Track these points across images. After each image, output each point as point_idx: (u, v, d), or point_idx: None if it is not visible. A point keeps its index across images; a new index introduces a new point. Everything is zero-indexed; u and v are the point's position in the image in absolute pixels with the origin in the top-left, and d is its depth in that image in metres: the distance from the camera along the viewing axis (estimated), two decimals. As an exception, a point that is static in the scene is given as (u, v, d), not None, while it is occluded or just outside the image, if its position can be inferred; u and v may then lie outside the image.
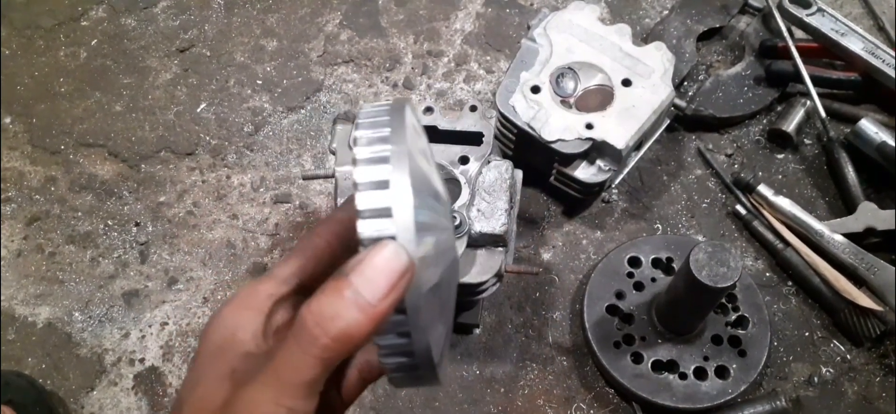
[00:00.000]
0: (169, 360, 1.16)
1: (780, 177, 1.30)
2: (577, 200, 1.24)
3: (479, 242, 0.98)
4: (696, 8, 1.44)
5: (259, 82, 1.45)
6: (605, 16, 1.51)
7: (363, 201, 0.38)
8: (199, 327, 1.19)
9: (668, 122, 1.30)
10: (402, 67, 1.46)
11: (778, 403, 1.06)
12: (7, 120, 1.41)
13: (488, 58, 1.47)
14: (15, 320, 1.20)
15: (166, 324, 1.19)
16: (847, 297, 1.12)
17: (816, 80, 1.29)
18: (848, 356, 1.14)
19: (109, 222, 1.29)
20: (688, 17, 1.43)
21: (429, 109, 1.07)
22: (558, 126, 1.13)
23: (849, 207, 1.23)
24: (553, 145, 1.13)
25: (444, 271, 0.44)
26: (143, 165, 1.35)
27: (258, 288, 0.45)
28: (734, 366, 1.08)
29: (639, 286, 1.16)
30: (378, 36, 1.51)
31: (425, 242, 0.39)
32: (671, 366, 1.09)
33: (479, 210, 0.98)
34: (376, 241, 0.38)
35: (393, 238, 0.37)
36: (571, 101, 1.18)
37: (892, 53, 1.29)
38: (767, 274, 1.21)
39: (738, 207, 1.25)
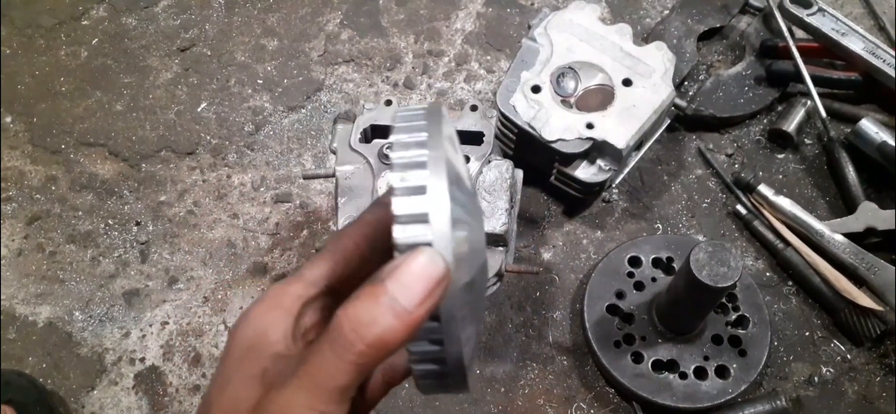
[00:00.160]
0: (169, 359, 1.16)
1: (780, 177, 1.30)
2: (578, 200, 1.24)
3: (480, 241, 0.98)
4: (697, 8, 1.44)
5: (260, 82, 1.45)
6: (606, 15, 1.51)
7: (400, 206, 0.37)
8: (200, 327, 1.19)
9: (669, 121, 1.30)
10: (402, 67, 1.46)
11: (778, 402, 1.06)
12: (8, 119, 1.41)
13: (489, 57, 1.47)
14: (15, 320, 1.20)
15: (167, 323, 1.19)
16: (847, 296, 1.12)
17: (817, 80, 1.29)
18: (848, 356, 1.14)
19: (110, 222, 1.29)
20: (688, 16, 1.43)
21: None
22: (559, 126, 1.13)
23: (849, 207, 1.23)
24: (553, 145, 1.13)
25: (476, 271, 0.44)
26: (143, 165, 1.35)
27: (287, 289, 0.45)
28: (734, 366, 1.08)
29: (639, 286, 1.16)
30: (379, 35, 1.51)
31: (460, 244, 0.39)
32: (671, 365, 1.09)
33: (479, 210, 0.97)
34: (412, 247, 0.37)
35: (429, 244, 0.37)
36: (572, 100, 1.18)
37: (893, 53, 1.29)
38: (768, 274, 1.21)
39: (739, 207, 1.25)
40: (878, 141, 1.22)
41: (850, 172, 1.24)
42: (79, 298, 1.22)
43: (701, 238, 1.24)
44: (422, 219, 0.37)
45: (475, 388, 1.13)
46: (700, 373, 1.08)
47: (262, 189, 1.32)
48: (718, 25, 1.43)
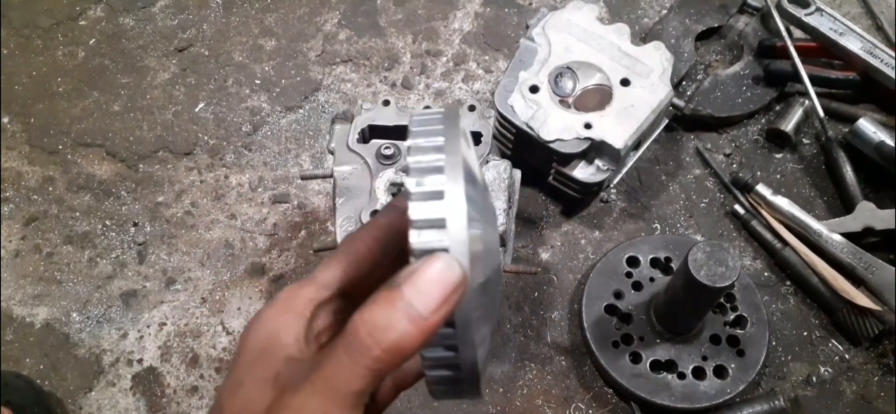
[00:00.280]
0: (167, 360, 1.16)
1: (778, 176, 1.30)
2: (576, 200, 1.24)
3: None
4: (695, 7, 1.44)
5: (257, 82, 1.45)
6: (604, 15, 1.51)
7: (416, 211, 0.37)
8: (198, 328, 1.19)
9: (667, 121, 1.30)
10: (400, 67, 1.46)
11: (776, 402, 1.06)
12: (5, 120, 1.41)
13: (487, 57, 1.47)
14: (13, 321, 1.20)
15: (164, 324, 1.19)
16: (845, 296, 1.12)
17: (815, 80, 1.30)
18: (846, 356, 1.14)
19: (107, 222, 1.29)
20: (686, 16, 1.43)
21: (427, 108, 1.07)
22: (557, 126, 1.13)
23: (847, 207, 1.23)
24: (551, 145, 1.13)
25: (490, 271, 0.43)
26: (141, 165, 1.34)
27: (300, 292, 0.45)
28: (732, 366, 1.08)
29: (637, 286, 1.16)
30: (376, 35, 1.51)
31: (474, 243, 0.39)
32: (669, 366, 1.09)
33: (477, 210, 0.97)
34: (428, 252, 0.37)
35: (446, 250, 0.37)
36: (570, 100, 1.18)
37: (891, 53, 1.29)
38: (766, 274, 1.21)
39: (737, 207, 1.25)
40: (876, 140, 1.23)
41: (848, 172, 1.24)
42: (76, 299, 1.21)
43: (699, 238, 1.24)
44: (438, 224, 0.37)
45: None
46: (698, 373, 1.08)
47: (259, 189, 1.32)
48: (716, 25, 1.43)
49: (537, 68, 1.19)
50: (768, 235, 1.22)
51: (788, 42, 1.31)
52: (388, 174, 1.01)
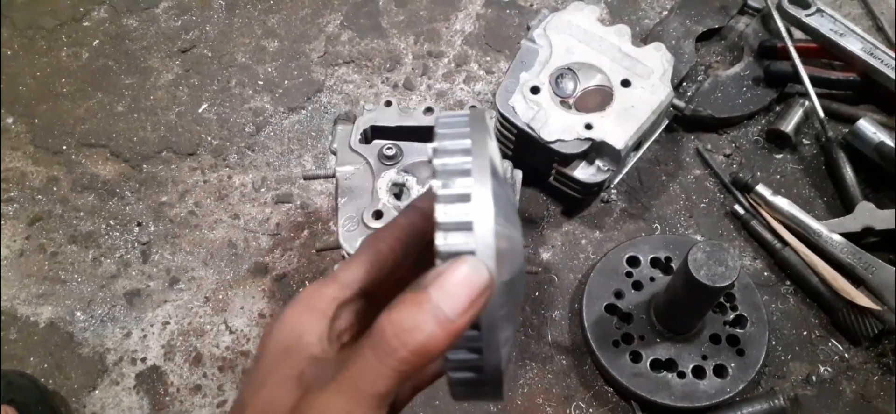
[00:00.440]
0: (170, 359, 1.17)
1: (778, 177, 1.31)
2: (577, 200, 1.24)
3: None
4: (696, 9, 1.44)
5: (260, 83, 1.45)
6: (605, 16, 1.52)
7: (443, 213, 0.37)
8: (201, 327, 1.19)
9: (667, 122, 1.31)
10: (402, 68, 1.47)
11: (776, 401, 1.07)
12: (9, 120, 1.41)
13: (488, 58, 1.48)
14: (17, 320, 1.20)
15: (168, 323, 1.20)
16: (845, 296, 1.12)
17: (815, 81, 1.30)
18: (846, 355, 1.14)
19: (111, 222, 1.29)
20: (687, 17, 1.43)
21: (429, 110, 1.08)
22: (558, 126, 1.14)
23: (847, 207, 1.23)
24: (552, 145, 1.13)
25: (516, 270, 0.43)
26: (144, 166, 1.35)
27: (322, 291, 0.45)
28: (732, 365, 1.08)
29: (637, 286, 1.16)
30: (379, 37, 1.51)
31: (499, 241, 0.38)
32: (670, 365, 1.09)
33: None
34: (455, 255, 0.37)
35: (472, 253, 0.37)
36: (571, 101, 1.18)
37: (891, 54, 1.29)
38: (766, 273, 1.21)
39: (737, 207, 1.26)
40: (876, 141, 1.23)
41: (848, 172, 1.25)
42: (80, 298, 1.22)
43: (699, 238, 1.25)
44: (465, 227, 0.37)
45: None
46: (698, 372, 1.09)
47: (262, 190, 1.32)
48: (717, 26, 1.44)
49: (538, 69, 1.19)
50: (768, 235, 1.22)
51: (789, 43, 1.32)
52: (390, 174, 1.01)
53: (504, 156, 1.19)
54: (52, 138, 1.39)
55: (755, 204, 1.25)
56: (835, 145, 1.27)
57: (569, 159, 1.16)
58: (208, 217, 1.30)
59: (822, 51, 1.35)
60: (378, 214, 0.97)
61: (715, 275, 0.92)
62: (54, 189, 1.33)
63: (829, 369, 1.13)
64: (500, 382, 0.41)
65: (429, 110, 1.07)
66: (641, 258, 1.19)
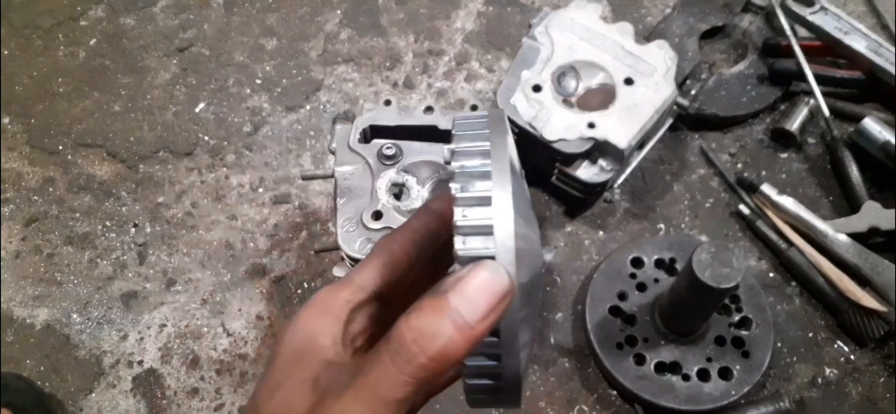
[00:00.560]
0: (167, 362, 1.15)
1: (783, 176, 1.29)
2: (579, 200, 1.23)
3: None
4: (699, 6, 1.43)
5: (258, 82, 1.44)
6: (607, 14, 1.49)
7: (463, 217, 0.37)
8: (198, 329, 1.18)
9: (671, 121, 1.29)
10: (402, 66, 1.46)
11: (782, 404, 1.05)
12: (5, 120, 1.40)
13: (489, 56, 1.46)
14: (13, 322, 1.19)
15: (165, 326, 1.18)
16: (851, 297, 1.11)
17: (820, 79, 1.29)
18: (852, 357, 1.13)
19: (108, 223, 1.28)
20: (690, 15, 1.42)
21: (429, 109, 1.07)
22: (560, 125, 1.12)
23: (853, 207, 1.22)
24: (555, 145, 1.12)
25: (534, 271, 0.43)
26: (141, 166, 1.34)
27: (336, 294, 0.44)
28: (737, 367, 1.07)
29: (641, 287, 1.15)
30: (378, 35, 1.50)
31: (520, 249, 0.38)
32: (674, 367, 1.08)
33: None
34: (474, 259, 0.36)
35: (492, 258, 0.36)
36: (573, 100, 1.17)
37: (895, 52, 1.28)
38: (771, 274, 1.20)
39: (742, 207, 1.25)
40: (882, 140, 1.22)
41: (854, 172, 1.23)
42: (77, 300, 1.21)
43: (703, 238, 1.23)
44: (485, 231, 0.36)
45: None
46: (703, 374, 1.07)
47: (260, 190, 1.31)
48: (721, 24, 1.42)
49: (540, 68, 1.18)
50: (773, 236, 1.21)
51: (793, 41, 1.30)
52: (390, 174, 1.00)
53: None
54: (49, 138, 1.38)
55: (760, 204, 1.24)
56: (840, 144, 1.26)
57: (571, 159, 1.15)
58: (205, 218, 1.28)
59: (827, 49, 1.34)
60: (377, 215, 0.96)
61: (720, 276, 0.90)
62: (50, 190, 1.32)
63: (835, 371, 1.12)
64: (519, 388, 0.40)
65: (429, 109, 1.06)
66: (645, 259, 1.18)
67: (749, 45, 1.40)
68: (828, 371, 1.12)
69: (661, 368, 1.08)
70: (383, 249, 0.46)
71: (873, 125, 1.23)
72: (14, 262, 1.25)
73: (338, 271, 1.06)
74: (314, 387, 0.40)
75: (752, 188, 1.24)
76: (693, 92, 1.34)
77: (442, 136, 1.04)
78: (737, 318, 1.12)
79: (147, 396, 1.13)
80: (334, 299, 0.44)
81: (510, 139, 0.41)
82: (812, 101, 1.30)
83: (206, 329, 1.18)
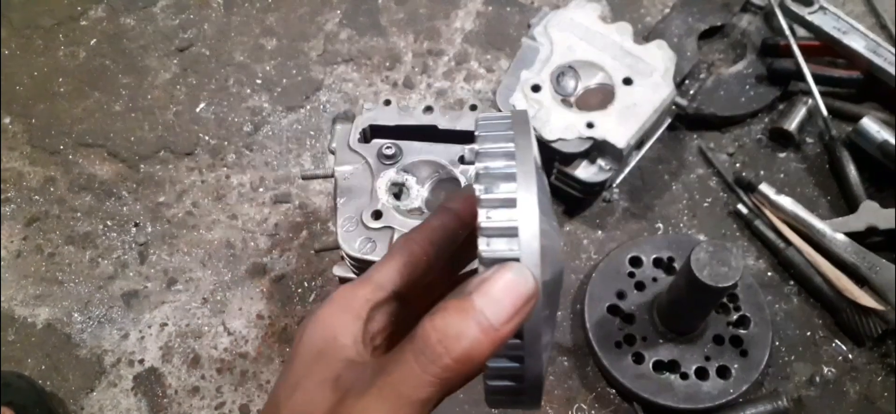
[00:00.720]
0: (168, 361, 1.16)
1: (781, 176, 1.30)
2: (578, 200, 1.23)
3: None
4: (698, 6, 1.43)
5: (258, 82, 1.44)
6: (606, 14, 1.50)
7: (488, 219, 0.36)
8: (199, 328, 1.18)
9: (670, 120, 1.30)
10: (402, 66, 1.46)
11: (780, 403, 1.06)
12: (6, 120, 1.41)
13: (489, 56, 1.47)
14: (14, 321, 1.19)
15: (166, 325, 1.19)
16: (849, 296, 1.11)
17: (818, 79, 1.29)
18: (850, 356, 1.13)
19: (108, 223, 1.29)
20: (689, 15, 1.42)
21: (428, 108, 1.07)
22: (559, 125, 1.13)
23: (851, 206, 1.22)
24: (554, 144, 1.12)
25: (555, 269, 0.42)
26: (142, 166, 1.34)
27: (356, 292, 0.44)
28: (736, 366, 1.08)
29: (640, 286, 1.16)
30: (378, 35, 1.50)
31: (544, 246, 0.37)
32: (672, 366, 1.08)
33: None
34: (499, 261, 0.36)
35: (517, 260, 0.36)
36: (572, 99, 1.18)
37: (894, 51, 1.28)
38: (769, 273, 1.20)
39: (740, 207, 1.25)
40: (880, 139, 1.22)
41: (852, 171, 1.24)
42: (78, 299, 1.21)
43: (702, 238, 1.24)
44: (510, 233, 0.36)
45: (475, 388, 1.12)
46: (701, 373, 1.08)
47: (260, 190, 1.31)
48: (719, 24, 1.42)
49: (539, 67, 1.19)
50: (771, 235, 1.21)
51: (792, 41, 1.31)
52: (390, 174, 1.00)
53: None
54: (50, 138, 1.38)
55: (758, 203, 1.24)
56: (838, 144, 1.26)
57: (570, 158, 1.15)
58: (206, 217, 1.29)
59: (826, 49, 1.34)
60: (377, 214, 0.96)
61: (718, 275, 0.91)
62: (51, 189, 1.33)
63: (833, 370, 1.12)
64: (540, 391, 0.40)
65: (428, 109, 1.06)
66: (644, 258, 1.18)
67: (748, 45, 1.40)
68: (826, 370, 1.12)
69: (659, 366, 1.08)
70: (403, 248, 0.46)
71: (871, 125, 1.23)
72: (15, 261, 1.25)
73: (337, 271, 1.06)
74: (335, 386, 0.40)
75: (751, 188, 1.24)
76: (692, 92, 1.35)
77: (441, 135, 1.04)
78: (735, 317, 1.12)
79: (148, 394, 1.13)
80: (354, 297, 0.44)
81: (534, 139, 0.41)
82: (810, 101, 1.30)
83: (206, 328, 1.18)
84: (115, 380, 1.15)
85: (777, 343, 1.14)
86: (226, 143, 1.37)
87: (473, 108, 1.09)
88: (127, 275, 1.23)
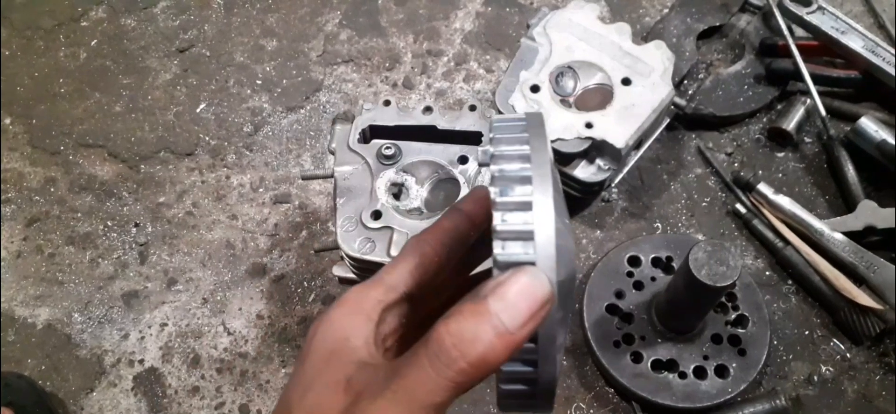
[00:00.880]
0: (168, 361, 1.16)
1: (780, 175, 1.30)
2: (577, 200, 1.24)
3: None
4: (697, 6, 1.43)
5: (258, 82, 1.45)
6: (605, 14, 1.51)
7: (503, 222, 0.36)
8: (199, 328, 1.19)
9: (668, 120, 1.30)
10: (401, 67, 1.46)
11: (778, 402, 1.06)
12: (7, 121, 1.41)
13: (488, 57, 1.47)
14: (15, 322, 1.20)
15: (166, 325, 1.19)
16: (847, 295, 1.11)
17: (816, 79, 1.29)
18: (848, 355, 1.13)
19: (109, 223, 1.29)
20: (688, 15, 1.42)
21: (428, 109, 1.07)
22: (558, 125, 1.13)
23: (849, 206, 1.22)
24: (552, 144, 1.13)
25: (569, 270, 0.42)
26: (142, 166, 1.35)
27: (368, 293, 0.44)
28: (734, 365, 1.08)
29: (638, 285, 1.16)
30: (378, 35, 1.51)
31: (559, 246, 0.37)
32: (671, 365, 1.08)
33: (478, 210, 0.97)
34: (514, 265, 0.36)
35: (533, 264, 0.36)
36: (571, 100, 1.18)
37: (893, 51, 1.28)
38: (767, 273, 1.21)
39: (738, 206, 1.25)
40: (878, 139, 1.22)
41: (850, 171, 1.24)
42: (78, 299, 1.22)
43: (700, 237, 1.24)
44: (526, 237, 0.36)
45: (476, 388, 1.12)
46: (699, 372, 1.08)
47: (260, 190, 1.32)
48: (718, 24, 1.43)
49: (538, 68, 1.19)
50: (770, 234, 1.22)
51: (790, 41, 1.31)
52: (389, 174, 1.01)
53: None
54: (50, 139, 1.38)
55: (757, 203, 1.24)
56: (836, 143, 1.26)
57: (569, 158, 1.16)
58: (206, 218, 1.29)
59: (824, 48, 1.34)
60: (377, 214, 0.97)
61: (716, 274, 0.91)
62: (52, 190, 1.33)
63: (831, 369, 1.12)
64: (553, 395, 0.40)
65: (428, 109, 1.07)
66: (642, 258, 1.18)
67: (746, 45, 1.40)
68: (824, 369, 1.12)
69: (657, 365, 1.09)
70: (414, 250, 0.45)
71: (870, 124, 1.24)
72: (15, 261, 1.26)
73: (337, 270, 1.06)
74: (347, 388, 0.40)
75: (749, 187, 1.25)
76: (690, 92, 1.35)
77: (441, 136, 1.04)
78: (733, 316, 1.12)
79: (148, 394, 1.14)
80: (366, 299, 0.43)
81: (548, 142, 0.41)
82: (809, 101, 1.31)
83: (206, 328, 1.19)
84: (115, 380, 1.15)
85: (775, 342, 1.14)
86: (226, 143, 1.37)
87: (473, 108, 1.09)
88: (127, 275, 1.24)
